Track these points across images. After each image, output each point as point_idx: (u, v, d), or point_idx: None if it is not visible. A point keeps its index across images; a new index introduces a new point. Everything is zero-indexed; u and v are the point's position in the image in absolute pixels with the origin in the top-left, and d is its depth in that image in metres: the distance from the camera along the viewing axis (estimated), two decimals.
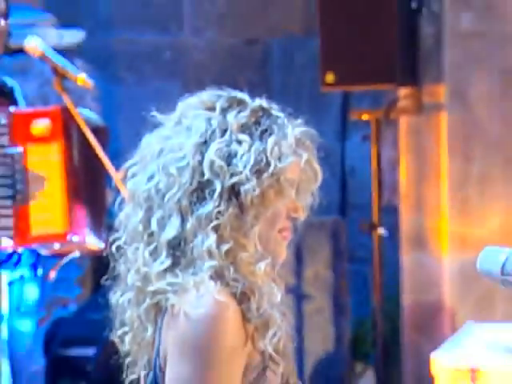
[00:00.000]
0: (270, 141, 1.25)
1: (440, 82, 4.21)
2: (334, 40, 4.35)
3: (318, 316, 4.88)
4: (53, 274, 3.43)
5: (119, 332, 1.32)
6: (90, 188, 3.27)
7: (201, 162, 1.28)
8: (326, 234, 4.82)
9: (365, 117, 4.46)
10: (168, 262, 1.27)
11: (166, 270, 1.27)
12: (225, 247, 1.22)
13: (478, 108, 4.14)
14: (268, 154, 1.24)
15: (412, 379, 4.36)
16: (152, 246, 1.29)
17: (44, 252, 3.34)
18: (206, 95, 1.32)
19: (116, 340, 1.43)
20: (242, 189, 1.25)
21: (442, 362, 3.30)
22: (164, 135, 1.29)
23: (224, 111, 1.28)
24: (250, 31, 6.26)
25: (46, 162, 3.23)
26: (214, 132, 1.27)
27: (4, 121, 3.21)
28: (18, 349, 3.46)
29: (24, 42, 3.12)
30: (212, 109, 1.28)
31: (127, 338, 1.32)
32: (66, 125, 3.13)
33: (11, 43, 3.31)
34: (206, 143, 1.26)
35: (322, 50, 4.38)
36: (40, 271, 3.39)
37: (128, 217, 1.32)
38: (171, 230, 1.27)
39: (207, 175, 1.25)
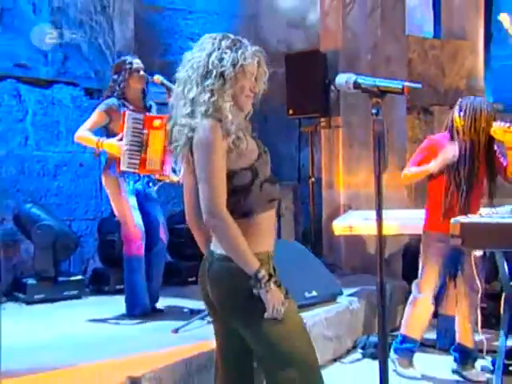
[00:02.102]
0: (240, 52, 2.07)
1: (339, 115, 6.28)
2: (293, 93, 6.24)
3: None
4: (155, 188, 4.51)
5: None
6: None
7: (207, 62, 2.06)
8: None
9: (307, 129, 6.53)
10: (189, 110, 2.07)
11: (188, 114, 2.07)
12: (213, 99, 2.04)
13: (356, 128, 6.12)
14: (238, 57, 2.06)
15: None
16: (182, 101, 2.11)
17: (153, 177, 4.45)
18: (214, 34, 2.14)
19: None
20: (226, 73, 2.06)
21: (337, 223, 5.22)
22: (193, 51, 2.13)
23: (220, 40, 2.09)
24: None
25: (157, 138, 4.23)
26: (214, 49, 2.07)
27: (142, 117, 4.22)
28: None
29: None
30: (214, 39, 2.10)
31: None
32: None
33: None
34: (210, 54, 2.06)
35: (287, 98, 6.31)
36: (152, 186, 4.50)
37: (176, 94, 2.14)
38: (192, 93, 2.07)
39: (210, 67, 2.06)
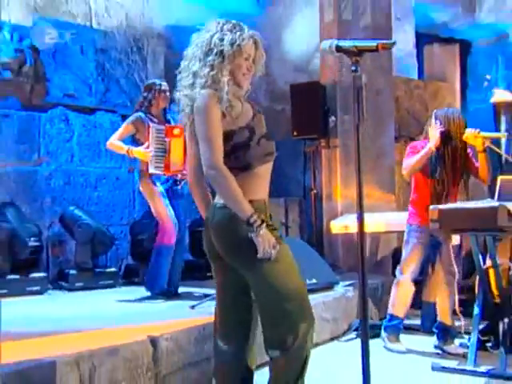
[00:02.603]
0: (238, 34, 2.06)
1: (336, 137, 6.13)
2: (297, 117, 6.10)
3: None
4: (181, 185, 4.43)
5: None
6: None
7: (210, 41, 2.06)
8: None
9: (309, 149, 6.44)
10: (191, 81, 2.07)
11: (190, 85, 2.07)
12: (212, 73, 2.02)
13: (351, 149, 5.59)
14: (237, 38, 2.05)
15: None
16: (186, 73, 2.10)
17: (176, 177, 4.39)
18: (219, 19, 2.13)
19: None
20: (225, 50, 2.03)
21: (335, 223, 5.40)
22: (200, 32, 2.12)
23: (223, 24, 2.09)
24: None
25: (178, 144, 4.15)
26: (216, 31, 2.07)
27: (164, 128, 4.21)
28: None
29: None
30: (218, 23, 2.10)
31: None
32: None
33: None
34: (213, 35, 2.06)
35: (292, 121, 6.15)
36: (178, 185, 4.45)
37: (182, 68, 2.10)
38: (195, 67, 2.06)
39: (212, 46, 2.04)
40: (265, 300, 2.06)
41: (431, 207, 3.44)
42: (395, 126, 6.67)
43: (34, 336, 2.93)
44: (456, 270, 3.97)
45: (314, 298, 4.26)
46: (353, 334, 4.47)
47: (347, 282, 4.95)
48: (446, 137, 3.86)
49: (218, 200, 2.09)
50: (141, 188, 4.43)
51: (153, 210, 4.41)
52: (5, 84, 5.43)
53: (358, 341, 3.93)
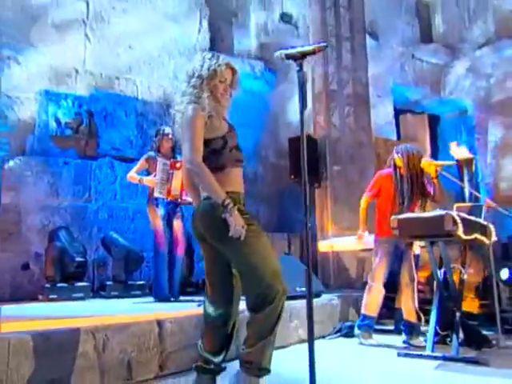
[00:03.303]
0: (214, 61, 2.11)
1: (327, 180, 6.06)
2: (294, 164, 6.00)
3: None
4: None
5: None
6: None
7: (194, 68, 2.14)
8: None
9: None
10: (180, 100, 2.11)
11: (179, 103, 2.09)
12: (195, 91, 2.07)
13: (340, 190, 5.98)
14: (212, 64, 2.11)
15: None
16: (177, 95, 2.15)
17: (176, 201, 4.32)
18: (204, 52, 2.22)
19: None
20: (203, 74, 2.08)
21: (322, 243, 5.46)
22: (191, 63, 2.18)
23: (205, 55, 2.16)
24: None
25: (178, 175, 4.12)
26: (199, 60, 2.15)
27: (168, 162, 4.23)
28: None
29: None
30: (202, 54, 2.19)
31: None
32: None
33: None
34: (196, 63, 2.14)
35: (289, 167, 6.07)
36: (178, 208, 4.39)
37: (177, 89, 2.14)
38: (183, 88, 2.13)
39: (195, 71, 2.12)
40: (241, 270, 2.05)
41: (392, 217, 3.35)
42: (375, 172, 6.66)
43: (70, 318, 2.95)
44: (415, 275, 3.80)
45: (303, 303, 4.11)
46: (337, 334, 4.29)
47: (334, 294, 4.81)
48: (407, 166, 3.81)
49: (203, 193, 2.10)
50: (147, 208, 4.41)
51: (151, 224, 4.41)
52: (66, 139, 5.69)
53: (341, 339, 4.08)
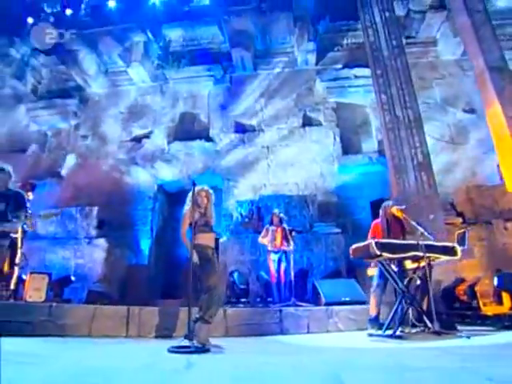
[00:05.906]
0: (196, 196, 3.99)
1: None
2: None
3: None
4: None
5: None
6: None
7: (187, 198, 4.05)
8: None
9: None
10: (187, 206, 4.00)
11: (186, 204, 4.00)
12: (189, 205, 3.94)
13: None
14: (196, 196, 4.00)
15: None
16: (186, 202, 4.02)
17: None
18: (196, 187, 3.98)
19: None
20: (188, 199, 4.02)
21: (369, 270, 6.16)
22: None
23: (192, 191, 3.89)
24: None
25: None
26: (191, 192, 3.95)
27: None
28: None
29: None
30: (191, 191, 3.90)
31: None
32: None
33: None
34: (187, 195, 3.99)
35: None
36: None
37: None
38: (187, 200, 4.05)
39: (190, 197, 4.01)
40: (204, 288, 3.78)
41: (373, 242, 4.98)
42: None
43: None
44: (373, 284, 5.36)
45: (344, 308, 6.10)
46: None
47: None
48: (387, 213, 5.58)
49: (196, 242, 3.78)
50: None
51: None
52: (244, 224, 8.78)
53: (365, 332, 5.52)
